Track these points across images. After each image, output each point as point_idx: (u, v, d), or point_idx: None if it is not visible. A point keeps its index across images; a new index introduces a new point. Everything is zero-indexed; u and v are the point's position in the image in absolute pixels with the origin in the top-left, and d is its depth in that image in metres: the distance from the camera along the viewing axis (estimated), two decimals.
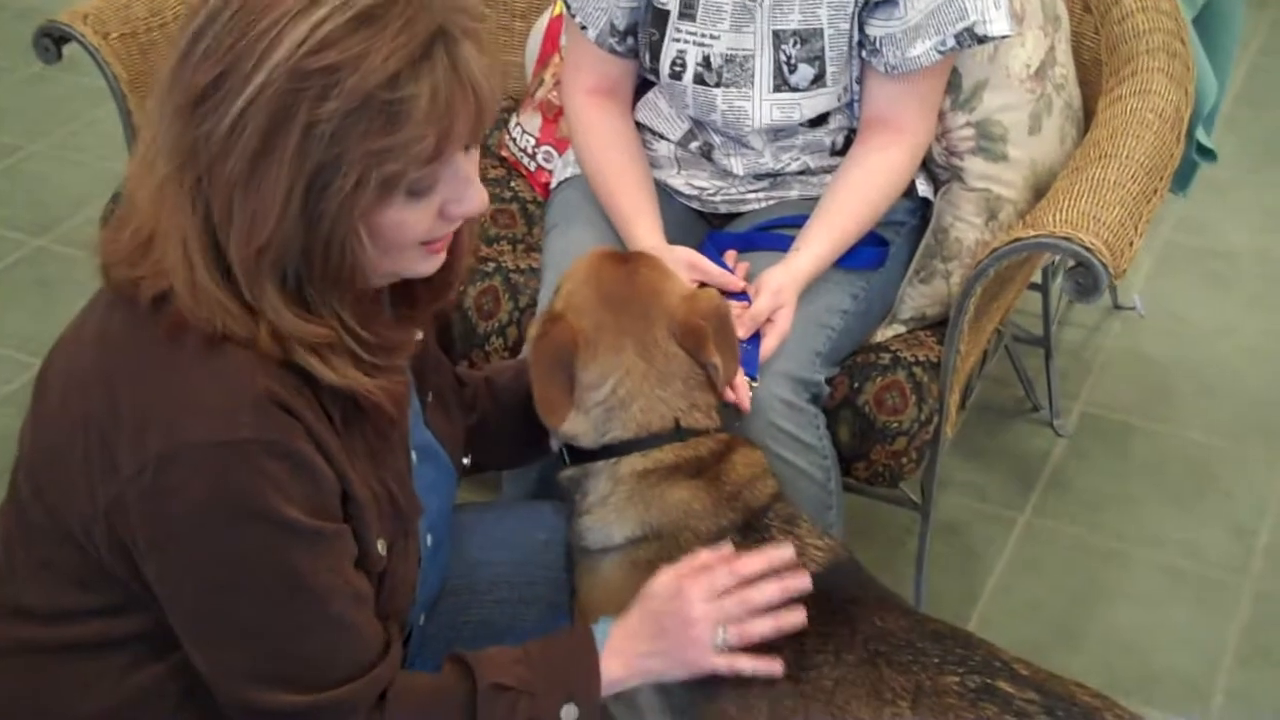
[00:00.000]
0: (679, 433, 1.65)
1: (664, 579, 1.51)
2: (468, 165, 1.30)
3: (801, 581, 1.53)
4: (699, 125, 2.11)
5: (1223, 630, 2.41)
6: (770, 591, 1.51)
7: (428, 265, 1.34)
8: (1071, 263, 1.90)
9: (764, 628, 1.48)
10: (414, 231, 1.29)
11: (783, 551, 1.55)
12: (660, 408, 1.65)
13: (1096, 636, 2.40)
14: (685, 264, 1.95)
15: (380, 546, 1.36)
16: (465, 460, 1.66)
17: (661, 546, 1.62)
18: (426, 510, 1.48)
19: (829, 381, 2.00)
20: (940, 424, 2.06)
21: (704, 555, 1.53)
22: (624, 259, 1.75)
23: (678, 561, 1.55)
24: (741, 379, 1.78)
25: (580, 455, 1.68)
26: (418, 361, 1.50)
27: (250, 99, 1.18)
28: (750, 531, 1.62)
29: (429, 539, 1.52)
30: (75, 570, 1.33)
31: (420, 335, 1.45)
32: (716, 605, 1.48)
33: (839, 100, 2.04)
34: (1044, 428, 2.85)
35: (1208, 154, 2.51)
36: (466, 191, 1.30)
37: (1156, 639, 2.39)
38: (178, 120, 1.22)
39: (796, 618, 1.50)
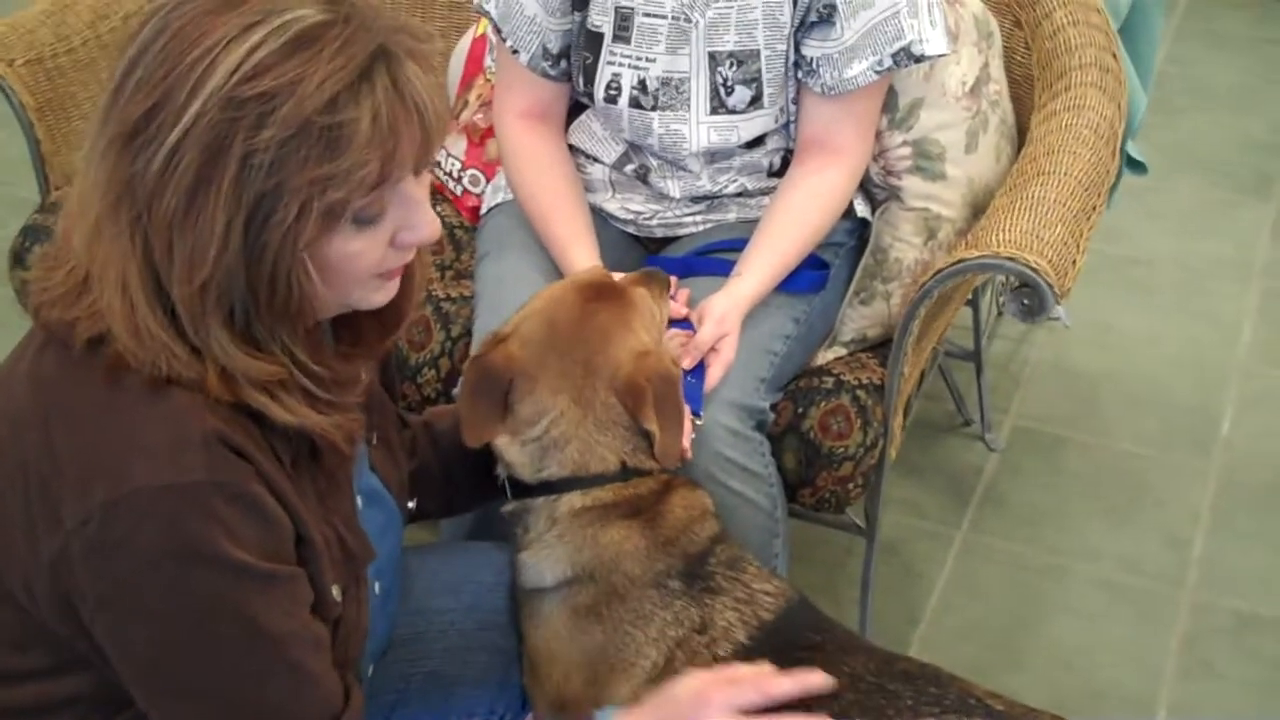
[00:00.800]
0: (624, 473, 1.61)
1: (691, 682, 1.42)
2: (418, 190, 1.25)
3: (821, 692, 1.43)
4: (635, 148, 2.07)
5: (1163, 643, 2.41)
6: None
7: (381, 295, 1.29)
8: (1015, 283, 1.89)
9: None
10: (365, 262, 1.24)
11: (818, 678, 1.43)
12: (599, 450, 1.60)
13: (1039, 654, 2.39)
14: None
15: (335, 592, 1.30)
16: (410, 504, 1.60)
17: (597, 590, 1.57)
18: (376, 556, 1.42)
19: (773, 408, 1.96)
20: (885, 447, 2.03)
21: (742, 670, 1.45)
22: (595, 295, 1.66)
23: (615, 611, 1.51)
24: (686, 416, 1.73)
25: (520, 489, 1.63)
26: (363, 400, 1.45)
27: (185, 130, 1.13)
28: (693, 579, 1.58)
29: (377, 586, 1.46)
30: (12, 632, 1.26)
31: (366, 373, 1.39)
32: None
33: (776, 122, 2.01)
34: (976, 442, 2.84)
35: (1138, 166, 2.51)
36: (417, 217, 1.25)
37: (1098, 655, 2.39)
38: (111, 154, 1.17)
39: None
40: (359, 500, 1.41)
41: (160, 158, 1.14)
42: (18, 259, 2.33)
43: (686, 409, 1.68)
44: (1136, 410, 2.95)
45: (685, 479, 1.67)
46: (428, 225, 1.26)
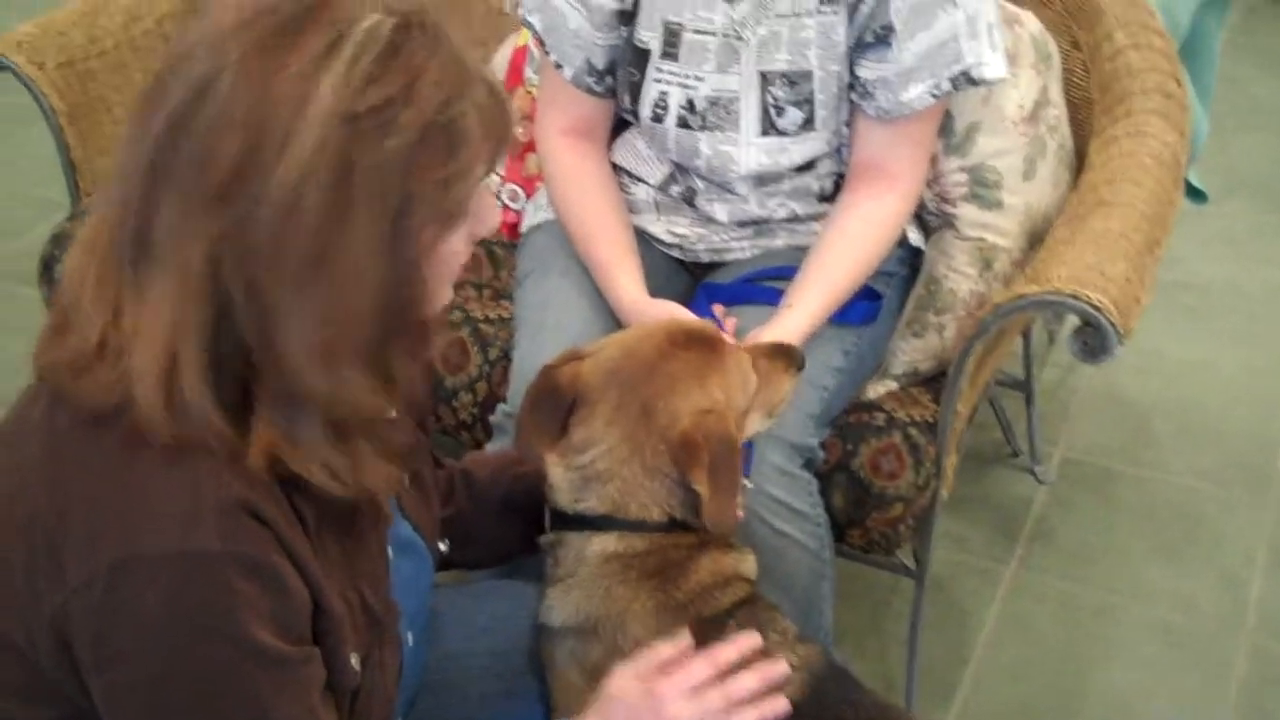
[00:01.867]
0: (669, 525, 1.51)
1: (623, 681, 1.38)
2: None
3: (778, 668, 1.42)
4: (681, 170, 1.99)
5: (1222, 690, 2.32)
6: (749, 681, 1.40)
7: (450, 294, 1.24)
8: (1077, 321, 1.80)
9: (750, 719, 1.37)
10: (460, 260, 1.19)
11: (750, 639, 1.43)
12: (641, 496, 1.50)
13: (1092, 698, 2.30)
14: (666, 318, 1.84)
15: (354, 661, 1.22)
16: (443, 546, 1.53)
17: (604, 649, 1.48)
18: (405, 608, 1.35)
19: (822, 445, 1.88)
20: (937, 488, 1.95)
21: (663, 650, 1.41)
22: (685, 340, 1.55)
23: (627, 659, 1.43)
24: None
25: (558, 519, 1.55)
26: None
27: (303, 162, 1.06)
28: (700, 646, 1.45)
29: (409, 638, 1.39)
30: (19, 683, 1.18)
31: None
32: (696, 703, 1.36)
33: (828, 145, 1.93)
34: (1025, 474, 2.75)
35: (1198, 195, 2.42)
36: (488, 208, 1.21)
37: (1153, 701, 2.30)
38: (192, 217, 1.07)
39: (779, 705, 1.39)
40: (390, 552, 1.33)
41: (276, 201, 1.06)
42: (47, 267, 2.28)
43: None
44: (1190, 442, 2.86)
45: (724, 540, 1.56)
46: (495, 214, 1.23)
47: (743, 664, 1.41)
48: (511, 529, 1.59)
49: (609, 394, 1.51)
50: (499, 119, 1.15)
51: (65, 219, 2.33)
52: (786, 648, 1.50)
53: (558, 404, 1.52)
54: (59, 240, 2.28)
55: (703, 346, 1.56)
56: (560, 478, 1.52)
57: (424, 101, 1.09)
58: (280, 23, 1.08)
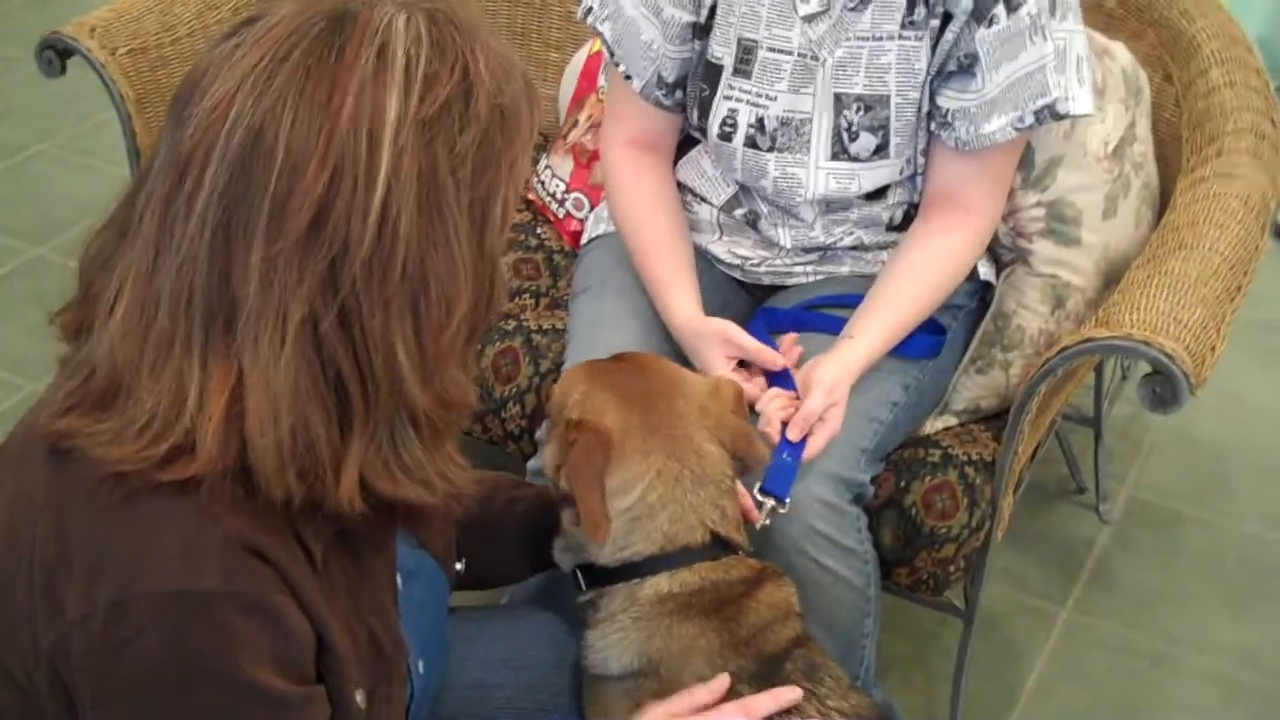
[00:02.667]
0: (713, 546, 1.48)
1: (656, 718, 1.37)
2: None
3: None
4: (745, 192, 1.94)
5: None
6: None
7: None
8: (1148, 368, 1.74)
9: None
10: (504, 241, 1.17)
11: (790, 692, 1.41)
12: (690, 517, 1.47)
13: None
14: (720, 337, 1.80)
15: (359, 699, 1.18)
16: (459, 565, 1.50)
17: (661, 687, 1.44)
18: (417, 632, 1.32)
19: (873, 480, 1.83)
20: (991, 529, 1.89)
21: (699, 693, 1.40)
22: (618, 360, 1.58)
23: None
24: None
25: (597, 577, 1.51)
26: None
27: (388, 179, 1.03)
28: (765, 685, 1.44)
29: (420, 665, 1.36)
30: (17, 714, 1.16)
31: None
32: None
33: (901, 173, 1.88)
34: (1088, 511, 2.67)
35: None
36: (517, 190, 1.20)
37: None
38: (278, 264, 1.03)
39: None
40: (399, 580, 1.30)
41: (370, 228, 1.03)
42: None
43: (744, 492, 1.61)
44: (1265, 489, 2.76)
45: (775, 569, 1.53)
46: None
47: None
48: (507, 552, 1.57)
49: (631, 423, 1.48)
50: (535, 94, 1.14)
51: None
52: (839, 696, 1.46)
53: (602, 470, 1.46)
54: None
55: (628, 358, 1.60)
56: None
57: (483, 88, 1.08)
58: (316, 45, 1.04)
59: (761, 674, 1.44)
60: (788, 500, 1.64)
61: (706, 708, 1.38)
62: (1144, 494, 2.74)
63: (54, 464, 1.10)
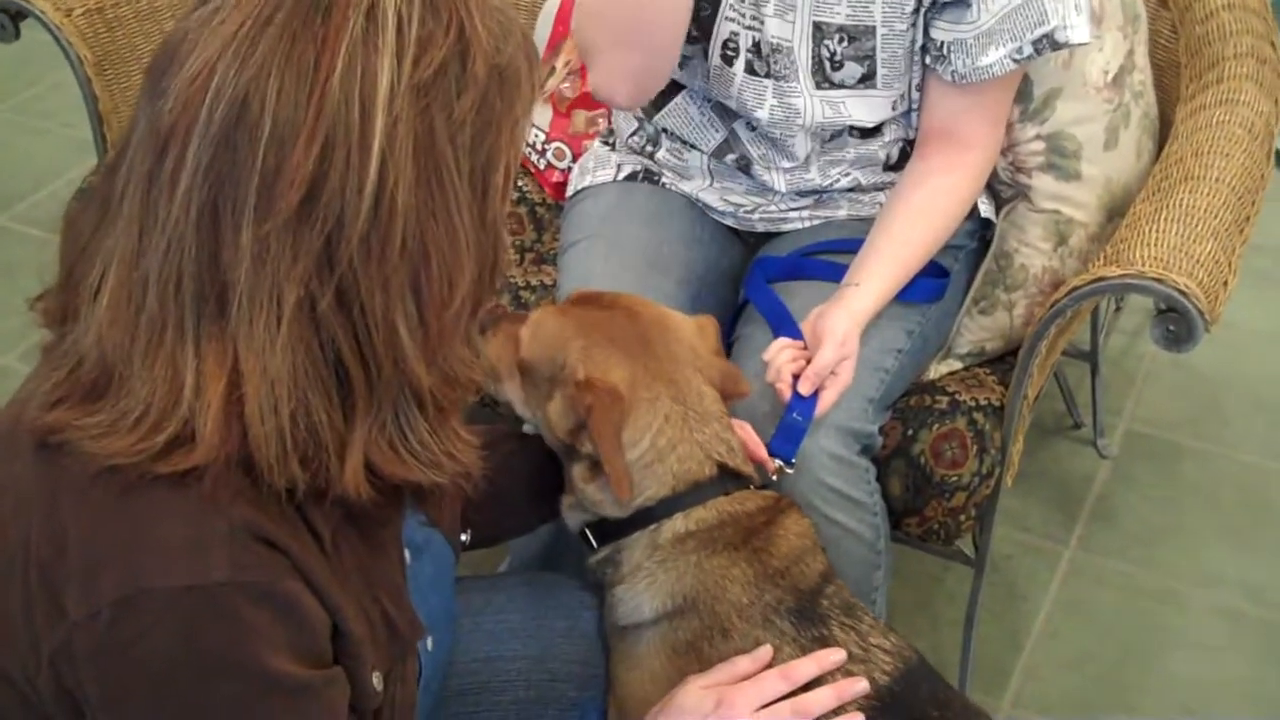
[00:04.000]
0: (723, 479, 1.46)
1: (694, 691, 1.35)
2: None
3: (859, 685, 1.39)
4: (735, 136, 1.87)
5: None
6: (825, 698, 1.37)
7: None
8: (1160, 305, 1.69)
9: None
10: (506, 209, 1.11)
11: (834, 654, 1.40)
12: (697, 453, 1.46)
13: (1152, 692, 2.20)
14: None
15: (376, 681, 1.13)
16: (464, 537, 1.45)
17: (700, 624, 1.43)
18: (428, 609, 1.27)
19: (881, 430, 1.78)
20: (1001, 475, 1.85)
21: (742, 663, 1.38)
22: (601, 301, 1.56)
23: (718, 650, 1.39)
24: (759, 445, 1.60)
25: (609, 532, 1.47)
26: None
27: (382, 149, 0.96)
28: (805, 622, 1.42)
29: (429, 642, 1.31)
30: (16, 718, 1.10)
31: None
32: (768, 715, 1.33)
33: (894, 109, 1.81)
34: (1086, 447, 2.64)
35: None
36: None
37: (1218, 694, 2.19)
38: (270, 242, 0.96)
39: None
40: (407, 555, 1.24)
41: (366, 200, 0.96)
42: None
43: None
44: (1261, 417, 2.73)
45: (789, 500, 1.52)
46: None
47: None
48: (515, 510, 1.54)
49: (636, 375, 1.46)
50: (535, 51, 1.08)
51: (90, 174, 2.24)
52: (880, 633, 1.45)
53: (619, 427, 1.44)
54: (85, 195, 2.20)
55: (614, 298, 1.57)
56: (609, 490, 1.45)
57: (480, 49, 1.01)
58: (300, 7, 0.96)
59: (799, 608, 1.42)
60: (794, 461, 1.60)
61: (747, 677, 1.36)
62: (1141, 427, 2.70)
63: (43, 459, 1.03)
